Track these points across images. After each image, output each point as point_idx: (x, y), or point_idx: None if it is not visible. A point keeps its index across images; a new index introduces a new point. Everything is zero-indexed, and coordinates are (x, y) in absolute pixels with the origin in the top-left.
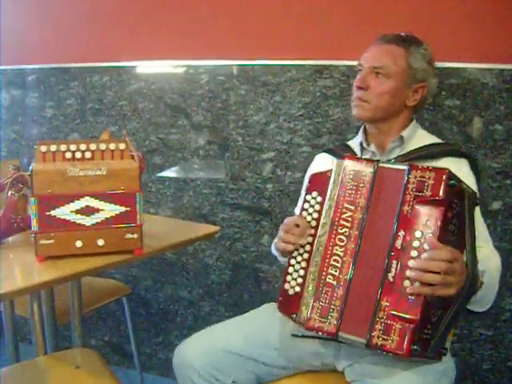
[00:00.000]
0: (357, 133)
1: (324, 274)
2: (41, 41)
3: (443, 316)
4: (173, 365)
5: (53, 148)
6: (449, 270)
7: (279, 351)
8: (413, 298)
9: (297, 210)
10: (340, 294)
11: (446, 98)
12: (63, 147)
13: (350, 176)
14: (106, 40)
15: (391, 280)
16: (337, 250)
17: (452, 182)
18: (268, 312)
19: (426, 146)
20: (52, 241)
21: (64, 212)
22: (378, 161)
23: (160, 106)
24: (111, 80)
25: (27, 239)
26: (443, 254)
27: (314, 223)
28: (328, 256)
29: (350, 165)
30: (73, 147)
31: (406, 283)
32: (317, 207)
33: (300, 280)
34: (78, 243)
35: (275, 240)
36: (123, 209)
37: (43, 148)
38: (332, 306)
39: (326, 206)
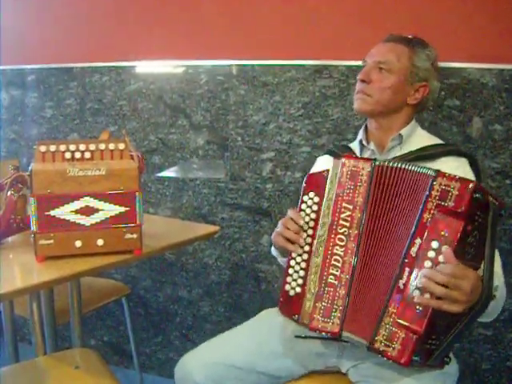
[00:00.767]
0: (356, 133)
1: (325, 274)
2: (40, 41)
3: (450, 329)
4: (174, 379)
5: (52, 148)
6: (454, 286)
7: (282, 357)
8: (420, 308)
9: None
10: (342, 293)
11: (445, 98)
12: (62, 147)
13: (348, 175)
14: (106, 40)
15: (401, 287)
16: (337, 249)
17: (477, 195)
18: (268, 319)
19: (425, 147)
20: (51, 241)
21: (63, 212)
22: (375, 159)
23: (159, 105)
24: (110, 80)
25: (27, 239)
26: (453, 269)
27: (311, 223)
28: (328, 256)
29: (347, 164)
30: (72, 147)
31: (416, 293)
32: (314, 207)
33: (300, 281)
34: (78, 243)
35: (273, 237)
36: (123, 209)
37: (42, 148)
38: (335, 306)
39: (324, 206)
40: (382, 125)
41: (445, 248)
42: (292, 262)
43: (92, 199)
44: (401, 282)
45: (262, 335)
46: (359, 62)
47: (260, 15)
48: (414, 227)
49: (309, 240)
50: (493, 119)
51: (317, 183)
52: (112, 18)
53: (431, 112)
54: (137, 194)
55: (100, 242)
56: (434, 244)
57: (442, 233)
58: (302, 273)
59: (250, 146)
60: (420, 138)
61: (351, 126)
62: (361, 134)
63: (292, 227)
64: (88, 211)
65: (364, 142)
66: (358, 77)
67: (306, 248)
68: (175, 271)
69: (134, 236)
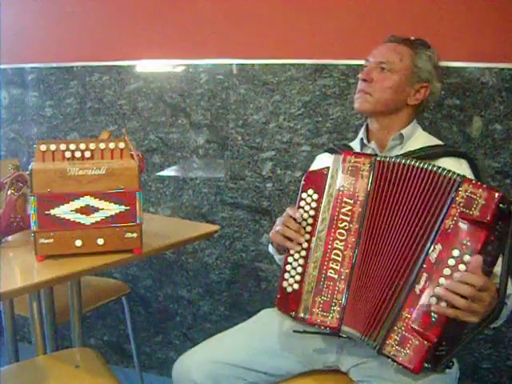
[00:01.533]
0: (356, 132)
1: (325, 268)
2: (40, 40)
3: (461, 337)
4: (172, 378)
5: (52, 147)
6: (476, 298)
7: (280, 355)
8: (436, 316)
9: None
10: (342, 287)
11: (445, 97)
12: (63, 146)
13: (349, 170)
14: (106, 39)
15: (417, 292)
16: (337, 243)
17: (503, 205)
18: (266, 319)
19: (425, 147)
20: (51, 240)
21: (63, 211)
22: (376, 155)
23: (159, 105)
24: (111, 79)
25: (27, 238)
26: (475, 280)
27: (310, 220)
28: (328, 250)
29: (348, 159)
30: (72, 146)
31: (432, 300)
32: (313, 204)
33: (298, 277)
34: (78, 242)
35: (271, 235)
36: (123, 208)
37: (43, 147)
38: (334, 300)
39: (324, 202)
40: (382, 124)
41: (466, 257)
42: (290, 259)
43: (92, 198)
44: (417, 288)
45: (260, 334)
46: (359, 62)
47: (260, 14)
48: (434, 232)
49: (307, 236)
50: (493, 118)
51: (316, 180)
52: (112, 17)
53: (431, 111)
54: (137, 193)
55: (100, 241)
56: (455, 252)
57: (464, 241)
58: (299, 269)
59: (250, 145)
60: (421, 139)
61: (351, 125)
62: (362, 133)
63: (291, 225)
64: (88, 210)
65: (365, 141)
66: (359, 76)
67: (305, 245)
68: (175, 270)
69: (134, 235)
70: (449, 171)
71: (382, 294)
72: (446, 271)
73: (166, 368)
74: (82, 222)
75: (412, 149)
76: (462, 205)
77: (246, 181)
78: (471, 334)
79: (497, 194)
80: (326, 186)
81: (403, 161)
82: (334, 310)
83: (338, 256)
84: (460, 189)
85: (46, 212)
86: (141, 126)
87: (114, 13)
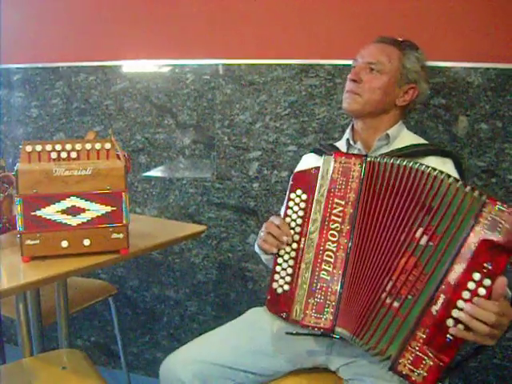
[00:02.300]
0: (342, 132)
1: (317, 269)
2: (26, 40)
3: (471, 354)
4: (159, 377)
5: (38, 148)
6: (497, 324)
7: (269, 356)
8: (451, 337)
9: (283, 209)
10: (335, 289)
11: (431, 96)
12: (48, 147)
13: (340, 171)
14: (92, 39)
15: (434, 313)
16: (329, 245)
17: None
18: (254, 318)
19: (410, 145)
20: (37, 241)
21: (49, 212)
22: (366, 155)
23: (146, 105)
24: (97, 79)
25: (13, 240)
26: (496, 307)
27: (299, 221)
28: (321, 252)
29: (338, 160)
30: (58, 147)
31: (449, 322)
32: (302, 205)
33: (288, 278)
34: (64, 243)
35: (257, 239)
36: (109, 208)
37: (28, 148)
38: (327, 302)
39: (315, 203)
40: (368, 125)
41: (488, 282)
42: (279, 260)
43: (78, 199)
44: (434, 308)
45: (248, 334)
46: (346, 62)
47: (246, 15)
48: (454, 252)
49: (296, 237)
50: (478, 118)
51: (304, 180)
52: (98, 17)
53: (417, 111)
54: (123, 193)
55: (86, 241)
56: (476, 276)
57: (486, 265)
58: (289, 270)
59: (237, 145)
60: (406, 138)
61: (337, 125)
62: (347, 134)
63: (277, 233)
64: (74, 211)
65: (351, 142)
66: (348, 76)
67: (294, 246)
68: (162, 271)
69: (121, 236)
70: (446, 175)
71: (376, 294)
72: (465, 294)
73: (154, 368)
74: (68, 223)
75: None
76: (485, 227)
77: (233, 181)
78: (479, 350)
79: None
80: (317, 187)
81: (394, 161)
82: (327, 312)
83: (331, 257)
84: (484, 209)
85: (32, 213)
86: (127, 127)
87: (100, 13)
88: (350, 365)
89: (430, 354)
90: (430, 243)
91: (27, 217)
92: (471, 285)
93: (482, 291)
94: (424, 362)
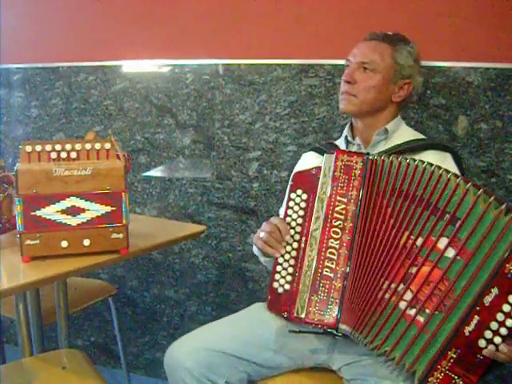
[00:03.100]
0: (342, 131)
1: (320, 267)
2: (26, 40)
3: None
4: (164, 365)
5: (38, 148)
6: None
7: (272, 350)
8: (481, 357)
9: (282, 210)
10: (338, 286)
11: (431, 96)
12: (48, 147)
13: (342, 169)
14: (92, 39)
15: (466, 334)
16: (332, 242)
17: None
18: (258, 311)
19: (409, 140)
20: (37, 241)
21: (49, 212)
22: (368, 153)
23: (145, 105)
24: (96, 79)
25: (12, 240)
26: None
27: (300, 220)
28: (323, 249)
29: (340, 158)
30: (58, 147)
31: (482, 343)
32: (302, 204)
33: (289, 278)
34: (64, 243)
35: (255, 239)
36: (109, 208)
37: (28, 148)
38: (331, 299)
39: (317, 200)
40: (367, 123)
41: None
42: (280, 260)
43: (78, 199)
44: (467, 329)
45: (252, 327)
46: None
47: (246, 14)
48: (491, 275)
49: (297, 237)
50: (478, 118)
51: (305, 180)
52: (98, 17)
53: (417, 111)
54: (123, 193)
55: (86, 241)
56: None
57: None
58: (290, 270)
59: (237, 145)
60: (405, 133)
61: (337, 124)
62: (346, 131)
63: (277, 236)
64: (74, 211)
65: (349, 138)
66: (342, 77)
67: (295, 245)
68: (162, 271)
69: (121, 236)
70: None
71: (379, 291)
72: (500, 316)
73: (153, 368)
74: (68, 223)
75: (396, 142)
76: None
77: (233, 181)
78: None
79: None
80: (319, 185)
81: (394, 159)
82: (330, 309)
83: (333, 254)
84: None
85: (32, 213)
86: (127, 127)
87: (100, 13)
88: (352, 365)
89: (460, 374)
90: (459, 258)
91: (27, 217)
92: (506, 307)
93: None
94: (454, 381)
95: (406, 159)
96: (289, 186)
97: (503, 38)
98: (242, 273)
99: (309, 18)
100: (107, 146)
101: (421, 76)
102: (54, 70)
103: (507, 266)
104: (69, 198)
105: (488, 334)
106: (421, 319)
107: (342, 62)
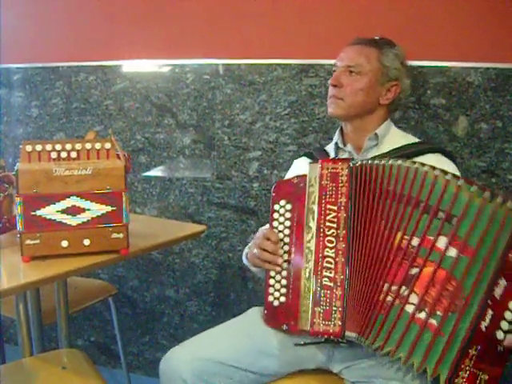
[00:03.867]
0: None
1: (319, 277)
2: (26, 40)
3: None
4: (159, 373)
5: (38, 148)
6: None
7: (269, 356)
8: (502, 349)
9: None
10: (339, 294)
11: (431, 97)
12: (48, 147)
13: (328, 177)
14: (92, 39)
15: (483, 329)
16: (327, 251)
17: None
18: (255, 318)
19: (402, 146)
20: (37, 241)
21: (49, 212)
22: (352, 159)
23: (146, 105)
24: (97, 79)
25: (13, 239)
26: None
27: (287, 231)
28: (320, 260)
29: (325, 166)
30: (58, 147)
31: (500, 335)
32: (287, 215)
33: (284, 290)
34: (64, 243)
35: (247, 252)
36: (109, 208)
37: (28, 148)
38: (333, 308)
39: (306, 211)
40: (356, 127)
41: None
42: (272, 273)
43: (78, 199)
44: (483, 325)
45: (249, 333)
46: None
47: (246, 14)
48: (497, 267)
49: (286, 248)
50: (478, 118)
51: (287, 191)
52: (98, 16)
53: (416, 111)
54: (123, 193)
55: (86, 241)
56: None
57: None
58: (284, 282)
59: (237, 145)
60: (396, 137)
61: (337, 125)
62: (336, 137)
63: (269, 247)
64: (74, 211)
65: (340, 145)
66: (329, 81)
67: (286, 257)
68: (162, 271)
69: (121, 236)
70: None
71: (380, 293)
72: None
73: (154, 368)
74: (68, 223)
75: (388, 147)
76: None
77: (233, 181)
78: None
79: None
80: (307, 195)
81: (378, 161)
82: (335, 318)
83: (331, 263)
84: None
85: (32, 213)
86: (127, 126)
87: (100, 13)
88: (352, 367)
89: (484, 369)
90: (463, 256)
91: (27, 217)
92: None
93: None
94: (479, 378)
95: (389, 160)
96: (271, 198)
97: (503, 38)
98: (242, 273)
99: (309, 17)
100: (107, 145)
101: (408, 78)
102: (54, 69)
103: (510, 255)
104: (69, 197)
105: (504, 325)
106: (434, 322)
107: None
